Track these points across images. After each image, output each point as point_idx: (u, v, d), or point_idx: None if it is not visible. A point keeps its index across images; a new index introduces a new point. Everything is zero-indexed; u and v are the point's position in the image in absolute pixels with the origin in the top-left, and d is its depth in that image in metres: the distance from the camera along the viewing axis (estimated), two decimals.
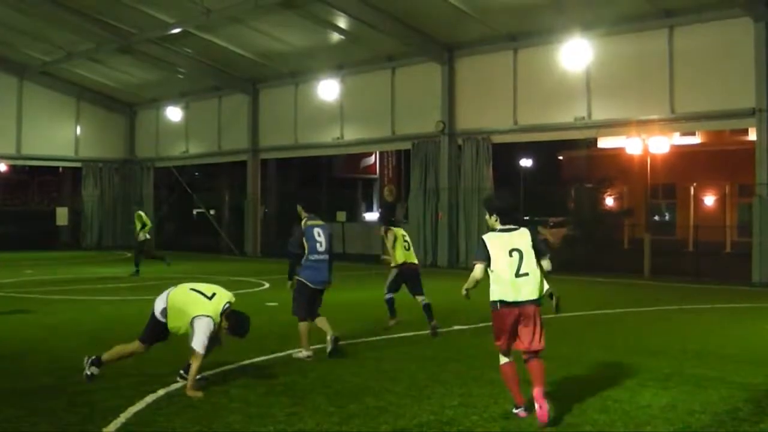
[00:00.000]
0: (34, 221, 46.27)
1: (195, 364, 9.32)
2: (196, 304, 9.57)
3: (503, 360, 8.38)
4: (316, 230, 11.86)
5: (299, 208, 12.19)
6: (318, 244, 11.81)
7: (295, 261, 11.92)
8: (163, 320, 9.72)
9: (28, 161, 45.47)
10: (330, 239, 12.04)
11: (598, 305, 18.49)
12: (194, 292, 9.74)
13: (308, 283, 11.82)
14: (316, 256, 11.80)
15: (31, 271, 27.91)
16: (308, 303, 11.85)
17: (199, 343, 9.33)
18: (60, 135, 43.98)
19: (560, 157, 59.60)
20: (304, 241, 11.80)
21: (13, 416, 8.40)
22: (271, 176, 46.34)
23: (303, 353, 11.61)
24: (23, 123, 42.49)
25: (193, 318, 9.42)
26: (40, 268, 29.55)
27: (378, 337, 13.42)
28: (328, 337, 11.74)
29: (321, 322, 11.92)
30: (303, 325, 11.74)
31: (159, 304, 9.79)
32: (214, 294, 9.72)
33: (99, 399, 9.02)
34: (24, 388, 9.75)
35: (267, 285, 23.25)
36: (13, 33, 37.11)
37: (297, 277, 11.90)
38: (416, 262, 14.70)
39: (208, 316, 9.46)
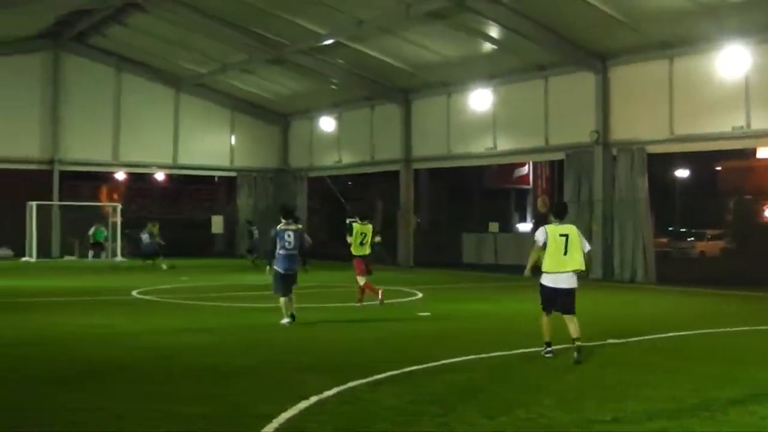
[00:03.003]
0: (189, 229, 47.73)
1: None
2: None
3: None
4: (287, 233, 16.10)
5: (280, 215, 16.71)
6: (287, 243, 16.04)
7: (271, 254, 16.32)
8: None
9: (184, 170, 47.13)
10: (299, 239, 16.29)
11: (759, 322, 17.82)
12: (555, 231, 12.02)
13: (280, 272, 16.09)
14: (284, 251, 16.04)
15: (186, 278, 28.75)
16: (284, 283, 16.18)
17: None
18: (215, 145, 45.39)
19: (717, 168, 58.15)
20: (277, 240, 16.07)
21: (153, 416, 8.67)
22: (423, 186, 46.47)
23: (285, 320, 15.97)
24: (179, 134, 44.06)
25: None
26: (195, 275, 30.39)
27: (527, 350, 13.25)
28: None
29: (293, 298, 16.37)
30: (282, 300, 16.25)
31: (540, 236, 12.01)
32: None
33: (251, 404, 9.19)
34: (172, 392, 9.99)
35: (420, 295, 23.24)
36: (170, 47, 38.49)
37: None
38: None
39: None
